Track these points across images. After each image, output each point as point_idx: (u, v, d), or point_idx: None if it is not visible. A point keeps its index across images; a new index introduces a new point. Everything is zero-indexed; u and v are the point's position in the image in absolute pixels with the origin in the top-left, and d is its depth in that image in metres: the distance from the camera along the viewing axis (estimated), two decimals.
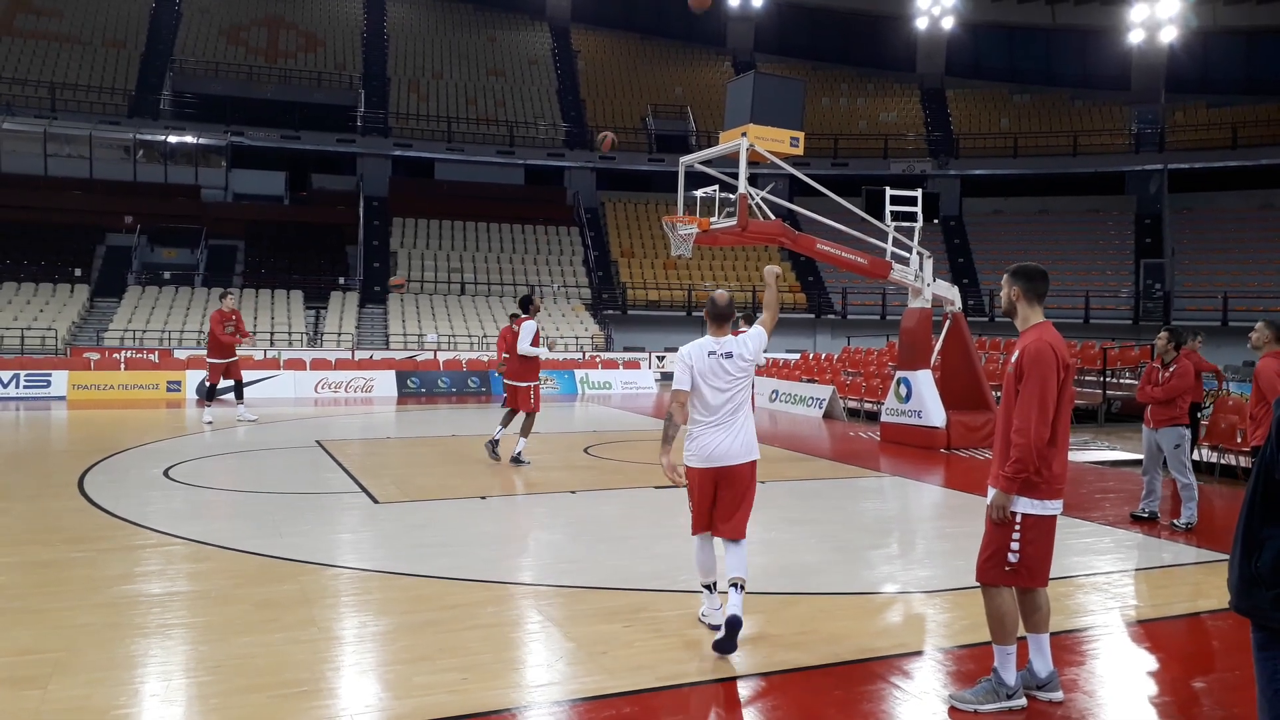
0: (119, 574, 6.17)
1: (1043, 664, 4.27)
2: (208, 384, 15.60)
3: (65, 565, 6.38)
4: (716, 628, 4.97)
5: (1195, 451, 10.54)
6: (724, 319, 5.28)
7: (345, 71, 38.48)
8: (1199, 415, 10.05)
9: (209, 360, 15.29)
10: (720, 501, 5.05)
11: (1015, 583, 4.15)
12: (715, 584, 5.17)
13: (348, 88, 37.77)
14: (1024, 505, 4.09)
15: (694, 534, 5.18)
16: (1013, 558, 4.11)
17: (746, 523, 5.04)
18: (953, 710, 4.15)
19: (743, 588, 4.90)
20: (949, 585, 6.21)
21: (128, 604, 5.53)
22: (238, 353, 15.51)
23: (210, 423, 14.91)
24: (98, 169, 33.98)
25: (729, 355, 5.15)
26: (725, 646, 4.73)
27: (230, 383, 15.56)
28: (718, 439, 5.04)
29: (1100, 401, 17.55)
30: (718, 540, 5.09)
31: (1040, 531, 4.12)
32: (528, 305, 11.26)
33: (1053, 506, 4.13)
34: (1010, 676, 4.15)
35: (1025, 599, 4.22)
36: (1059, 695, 4.26)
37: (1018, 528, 4.10)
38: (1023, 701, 4.16)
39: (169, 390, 20.64)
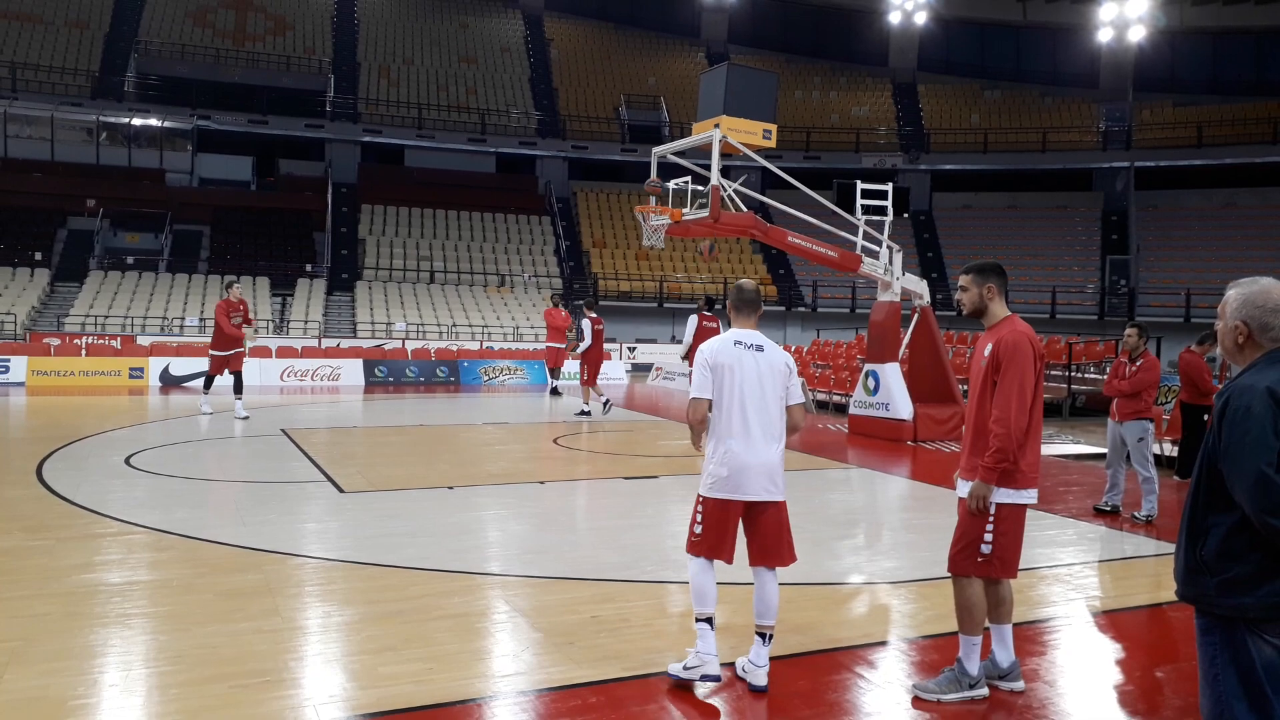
0: (78, 563, 6.06)
1: (1005, 654, 4.31)
2: (208, 374, 14.95)
3: (23, 554, 6.27)
4: (713, 678, 4.22)
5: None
6: (752, 307, 4.47)
7: (315, 56, 38.00)
8: (1205, 417, 10.25)
9: (211, 351, 14.66)
10: (754, 534, 4.36)
11: (987, 573, 4.19)
12: (713, 618, 4.30)
13: (317, 72, 37.30)
14: (1000, 495, 4.13)
15: (695, 555, 4.34)
16: (985, 549, 4.14)
17: (792, 544, 4.41)
18: (916, 700, 4.18)
19: (771, 638, 4.34)
20: (914, 576, 6.26)
21: (87, 593, 5.44)
22: (245, 345, 14.90)
23: (210, 413, 14.53)
24: (59, 151, 33.34)
25: (760, 349, 4.35)
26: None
27: (207, 376, 14.97)
28: (748, 460, 4.25)
29: (1065, 395, 17.76)
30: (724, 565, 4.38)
31: (1013, 522, 4.16)
32: (714, 304, 14.34)
33: (1027, 496, 4.17)
34: (973, 667, 4.19)
35: (990, 590, 4.26)
36: (1020, 685, 4.30)
37: (992, 518, 4.14)
38: (985, 691, 4.20)
39: (131, 377, 20.34)
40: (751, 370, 4.30)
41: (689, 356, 14.06)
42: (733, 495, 4.27)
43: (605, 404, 15.85)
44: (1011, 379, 4.08)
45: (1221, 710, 2.59)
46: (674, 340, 30.44)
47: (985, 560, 4.15)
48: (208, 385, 15.08)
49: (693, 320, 14.49)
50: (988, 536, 4.14)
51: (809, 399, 18.19)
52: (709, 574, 4.30)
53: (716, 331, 14.25)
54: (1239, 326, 2.68)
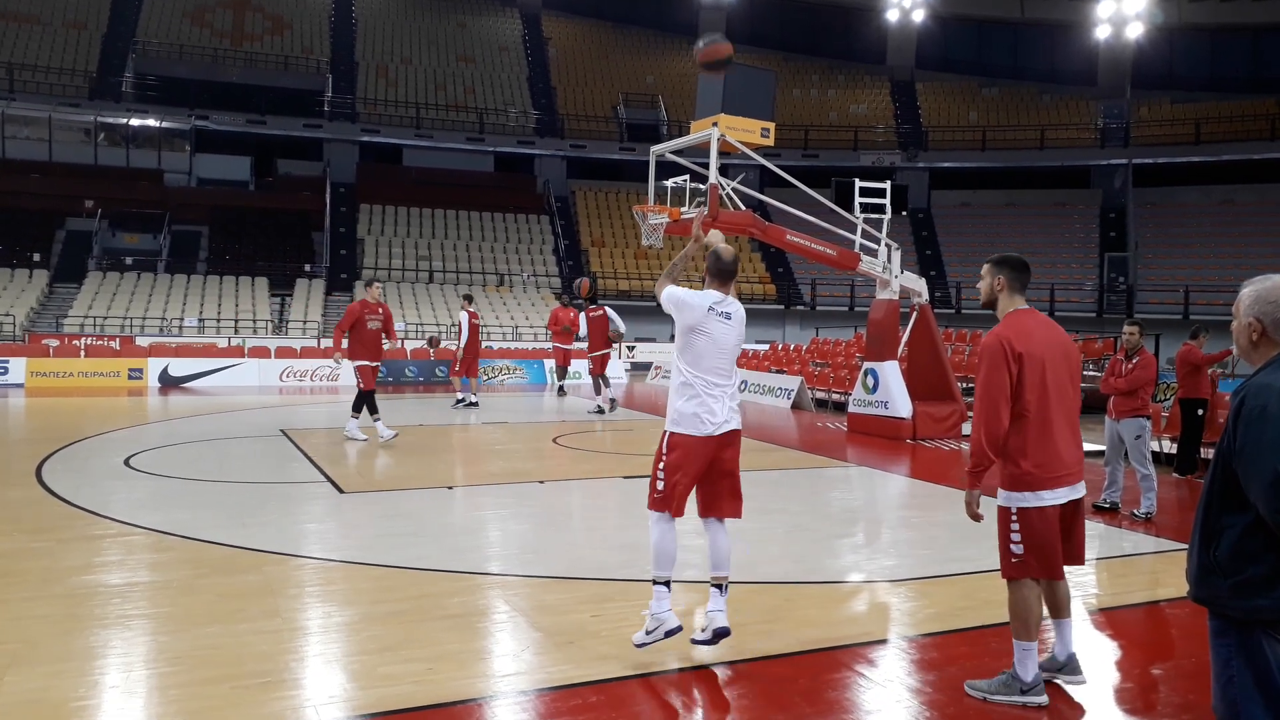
0: (78, 565, 6.07)
1: (1062, 648, 4.34)
2: (361, 390, 12.15)
3: (23, 556, 6.27)
4: (675, 631, 4.52)
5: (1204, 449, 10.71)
6: (729, 276, 4.82)
7: (312, 56, 37.97)
8: (1200, 411, 10.26)
9: (356, 363, 12.00)
10: (718, 475, 4.62)
11: (1028, 575, 4.15)
12: (670, 581, 4.61)
13: (315, 72, 37.27)
14: (1012, 499, 4.12)
15: (657, 510, 4.56)
16: (1017, 550, 4.11)
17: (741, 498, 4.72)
18: (965, 695, 4.20)
19: (727, 588, 4.63)
20: (914, 574, 6.27)
21: (87, 595, 5.44)
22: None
23: (364, 439, 11.93)
24: (57, 152, 33.30)
25: (728, 317, 4.69)
26: (710, 642, 4.57)
27: (360, 393, 12.26)
28: (717, 405, 4.57)
29: None
30: (684, 524, 4.68)
31: (1035, 524, 4.09)
32: (595, 299, 16.41)
33: (1045, 498, 4.09)
34: (1027, 673, 4.12)
35: (1046, 588, 4.27)
36: (1081, 679, 4.29)
37: (1014, 522, 4.12)
38: (1042, 699, 4.12)
39: (130, 378, 20.35)
40: (720, 334, 4.65)
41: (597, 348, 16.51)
42: (703, 431, 4.53)
43: (461, 402, 16.99)
44: (979, 384, 4.11)
45: (1236, 713, 2.56)
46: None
47: (1021, 562, 4.12)
48: (359, 406, 12.18)
49: (582, 318, 16.50)
50: (1014, 537, 4.12)
51: (807, 398, 18.20)
52: (671, 535, 4.57)
53: (604, 320, 16.37)
54: (1253, 323, 2.65)
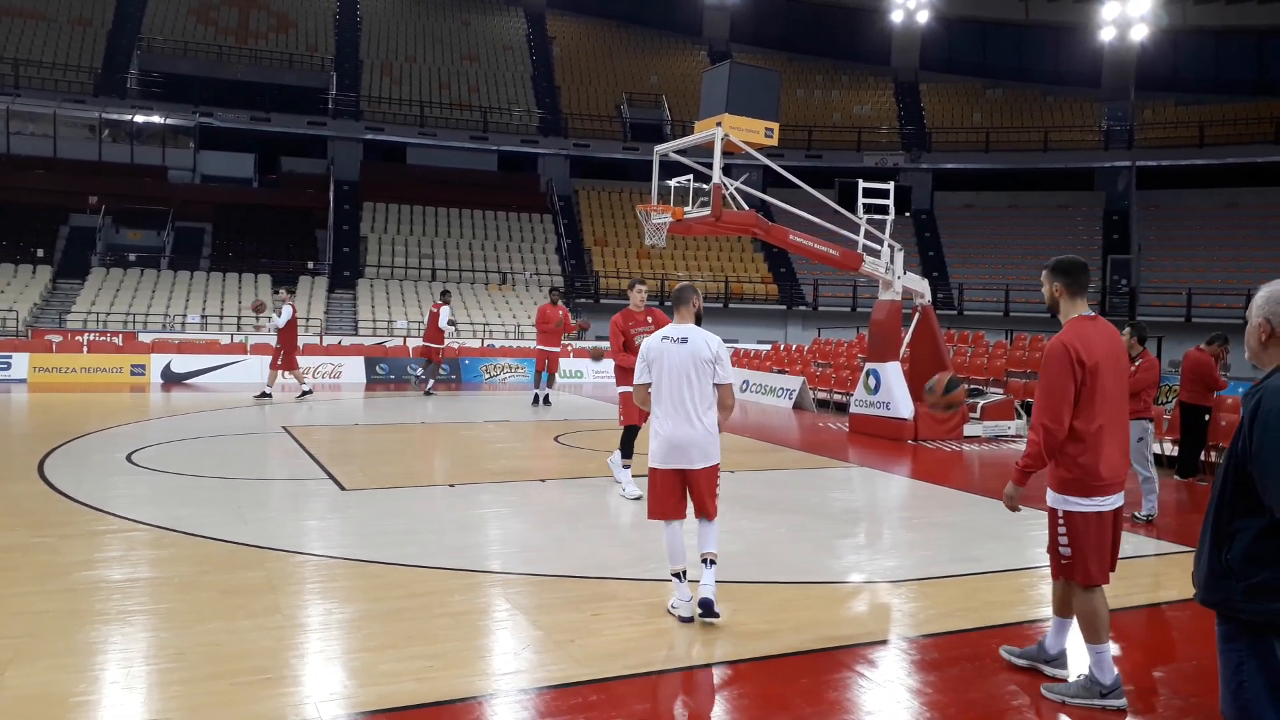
0: (80, 560, 6.08)
1: (1055, 642, 4.44)
2: (627, 427, 8.79)
3: (24, 551, 6.28)
4: (687, 620, 5.04)
5: (1206, 453, 10.68)
6: (679, 303, 5.36)
7: (317, 53, 38.01)
8: (1205, 417, 10.26)
9: (620, 389, 8.85)
10: (691, 494, 5.20)
11: (1071, 577, 4.20)
12: (685, 572, 5.16)
13: (319, 70, 37.30)
14: (1060, 502, 4.16)
15: (651, 518, 5.27)
16: (1065, 550, 4.17)
17: (715, 502, 5.20)
18: (1043, 699, 4.23)
19: (714, 562, 5.07)
20: (914, 575, 6.27)
21: (88, 590, 5.45)
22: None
23: (639, 496, 8.21)
24: (62, 148, 33.35)
25: (684, 341, 5.16)
26: (707, 616, 4.99)
27: (627, 430, 8.94)
28: (676, 436, 5.09)
29: None
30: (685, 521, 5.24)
31: (1083, 528, 4.12)
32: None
33: (1095, 503, 4.12)
34: (1105, 675, 4.14)
35: (1059, 586, 4.37)
36: (1065, 674, 4.38)
37: (1062, 524, 4.17)
38: (1121, 702, 4.14)
39: (133, 374, 20.36)
40: (675, 360, 5.13)
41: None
42: (667, 465, 5.11)
43: (263, 394, 16.96)
44: (1040, 385, 4.16)
45: (1249, 719, 2.54)
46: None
47: (1069, 564, 4.17)
48: (629, 448, 8.83)
49: (445, 311, 18.31)
50: (1063, 541, 4.16)
51: (809, 398, 18.21)
52: (676, 535, 5.15)
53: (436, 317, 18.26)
54: (1262, 324, 2.62)
